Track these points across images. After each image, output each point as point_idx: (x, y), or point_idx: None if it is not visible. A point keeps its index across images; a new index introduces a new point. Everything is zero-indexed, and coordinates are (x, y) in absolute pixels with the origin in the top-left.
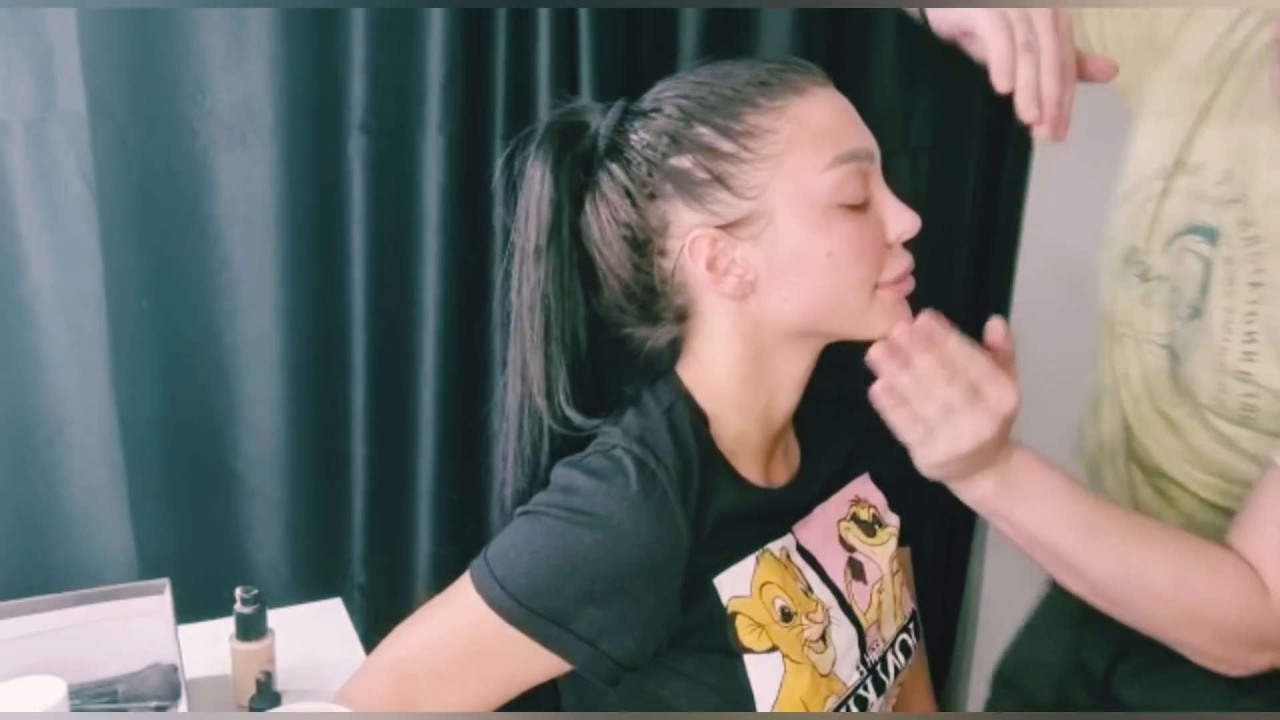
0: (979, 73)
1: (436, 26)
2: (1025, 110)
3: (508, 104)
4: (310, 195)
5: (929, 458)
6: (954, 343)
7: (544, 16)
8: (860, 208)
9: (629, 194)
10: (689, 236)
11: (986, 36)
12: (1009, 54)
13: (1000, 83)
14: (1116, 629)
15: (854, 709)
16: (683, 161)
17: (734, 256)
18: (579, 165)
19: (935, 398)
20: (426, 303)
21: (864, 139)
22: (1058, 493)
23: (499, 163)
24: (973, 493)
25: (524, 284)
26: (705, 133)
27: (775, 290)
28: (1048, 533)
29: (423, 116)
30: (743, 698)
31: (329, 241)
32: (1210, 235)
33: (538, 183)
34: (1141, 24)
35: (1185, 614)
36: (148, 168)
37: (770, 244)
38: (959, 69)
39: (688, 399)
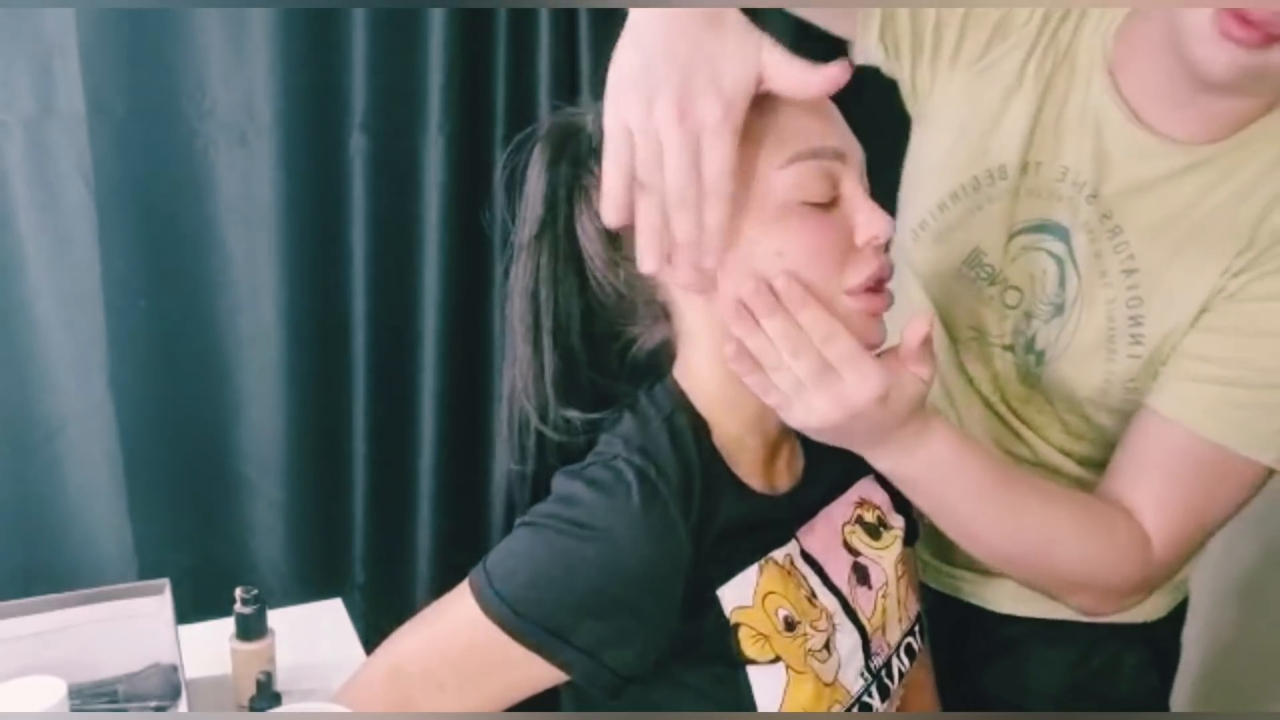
0: None
1: (436, 26)
2: (643, 259)
3: (508, 104)
4: (310, 195)
5: (791, 422)
6: (811, 314)
7: (544, 16)
8: (825, 207)
9: (593, 190)
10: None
11: (604, 160)
12: (620, 188)
13: (608, 218)
14: (948, 623)
15: None
16: None
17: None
18: (575, 164)
19: (785, 368)
20: (426, 302)
21: (833, 137)
22: (970, 465)
23: (500, 164)
24: (883, 466)
25: (517, 277)
26: None
27: (734, 286)
28: (957, 505)
29: (423, 116)
30: (745, 709)
31: (329, 241)
32: (1058, 232)
33: (534, 181)
34: (924, 24)
35: (1080, 574)
36: (147, 168)
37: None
38: None
39: (687, 406)
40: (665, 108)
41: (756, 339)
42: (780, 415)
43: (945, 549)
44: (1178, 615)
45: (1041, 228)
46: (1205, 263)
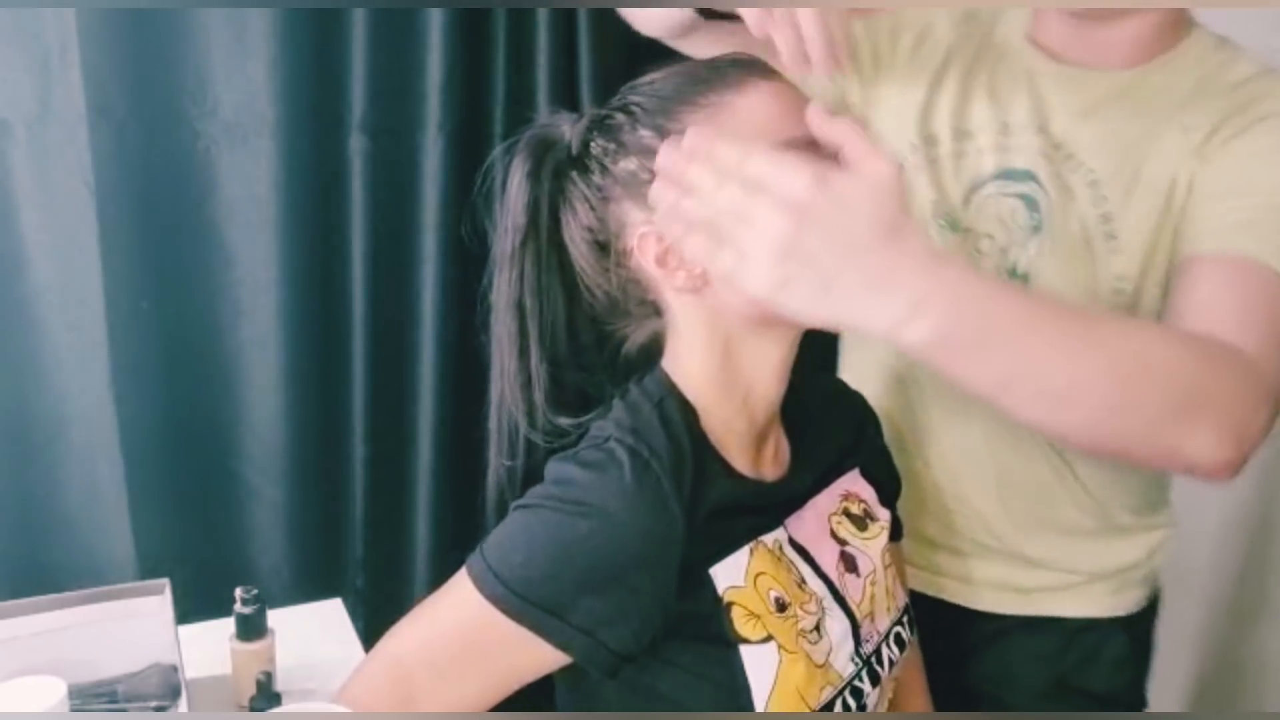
0: None
1: (436, 26)
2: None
3: (507, 104)
4: (310, 195)
5: (758, 285)
6: (724, 148)
7: (544, 16)
8: None
9: (588, 199)
10: (637, 234)
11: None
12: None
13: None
14: (928, 621)
15: (850, 700)
16: (629, 164)
17: (681, 251)
18: (554, 174)
19: (721, 210)
20: (425, 303)
21: (804, 126)
22: (1015, 302)
23: (480, 173)
24: (915, 331)
25: (500, 287)
26: (646, 135)
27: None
28: (1025, 354)
29: (423, 116)
30: (739, 689)
31: (329, 242)
32: (1019, 175)
33: (514, 191)
34: (859, 47)
35: (1193, 389)
36: (148, 168)
37: None
38: None
39: (676, 392)
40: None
41: (686, 200)
42: (747, 287)
43: (925, 546)
44: (1153, 609)
45: (1002, 176)
46: (1159, 159)
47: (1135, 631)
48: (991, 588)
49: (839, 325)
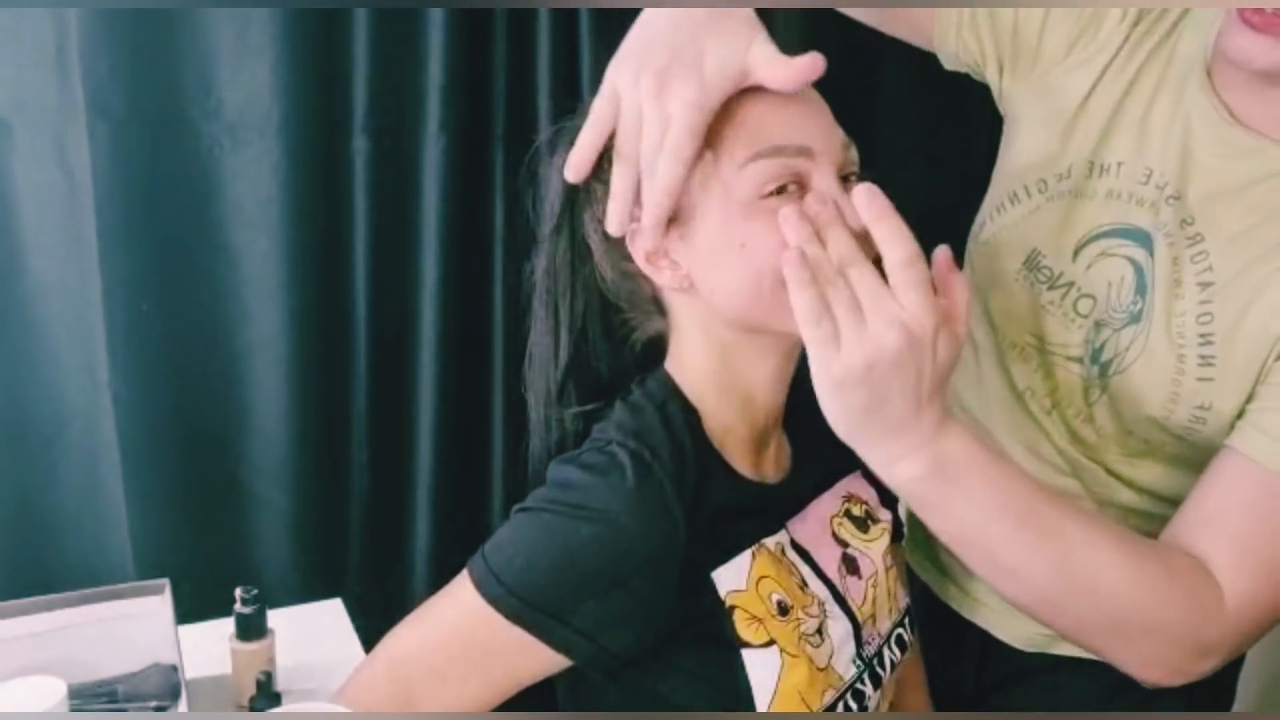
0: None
1: (437, 27)
2: (610, 221)
3: (508, 104)
4: (312, 197)
5: (831, 373)
6: (889, 225)
7: (544, 16)
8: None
9: (602, 189)
10: (630, 229)
11: (587, 119)
12: (591, 146)
13: (569, 172)
14: (976, 645)
15: (851, 703)
16: None
17: (668, 250)
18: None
19: (843, 286)
20: (426, 304)
21: (799, 135)
22: (999, 480)
23: (500, 163)
24: (900, 471)
25: (537, 269)
26: None
27: (705, 282)
28: (986, 528)
29: (423, 117)
30: (741, 692)
31: (331, 244)
32: (1139, 237)
33: (554, 178)
34: (1003, 28)
35: (1133, 618)
36: (149, 169)
37: (695, 236)
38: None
39: (679, 394)
40: (648, 81)
41: (815, 247)
42: (819, 361)
43: (962, 568)
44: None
45: (1122, 232)
46: None
47: (1196, 685)
48: (1027, 629)
49: (846, 440)
